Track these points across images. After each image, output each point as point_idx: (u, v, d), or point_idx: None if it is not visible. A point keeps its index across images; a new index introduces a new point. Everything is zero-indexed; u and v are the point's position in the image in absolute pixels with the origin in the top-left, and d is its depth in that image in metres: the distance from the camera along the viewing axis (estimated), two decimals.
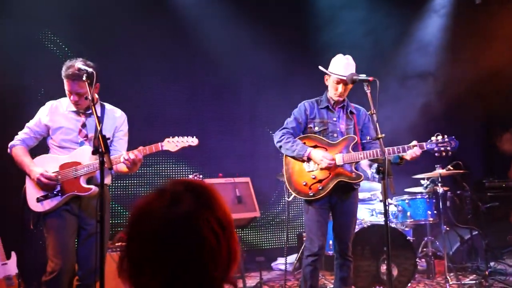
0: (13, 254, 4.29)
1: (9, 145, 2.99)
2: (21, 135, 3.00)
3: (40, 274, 2.85)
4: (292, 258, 5.49)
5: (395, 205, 4.86)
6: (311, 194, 3.23)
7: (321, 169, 3.24)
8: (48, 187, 2.83)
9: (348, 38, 5.99)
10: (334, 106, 3.41)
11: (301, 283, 3.27)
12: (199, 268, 0.93)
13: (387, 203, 2.68)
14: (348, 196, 3.31)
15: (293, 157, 3.31)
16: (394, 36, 6.66)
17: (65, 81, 2.86)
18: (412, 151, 3.07)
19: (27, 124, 3.02)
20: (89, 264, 2.84)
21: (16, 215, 4.20)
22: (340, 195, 3.28)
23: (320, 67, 3.42)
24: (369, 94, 2.85)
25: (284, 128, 3.41)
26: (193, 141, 2.94)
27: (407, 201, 4.84)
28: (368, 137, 3.34)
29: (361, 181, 3.28)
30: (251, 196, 5.03)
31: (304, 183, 3.26)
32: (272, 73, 6.39)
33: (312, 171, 3.27)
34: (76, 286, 2.93)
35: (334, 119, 3.37)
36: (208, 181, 4.91)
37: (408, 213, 4.81)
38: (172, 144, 2.88)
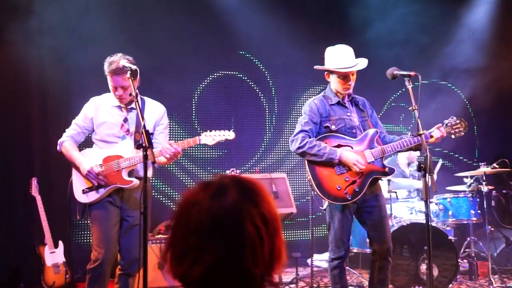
0: (61, 243, 4.53)
1: (58, 142, 3.12)
2: (69, 131, 3.13)
3: (85, 263, 3.00)
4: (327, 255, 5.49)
5: (436, 204, 4.76)
6: (349, 198, 3.06)
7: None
8: (95, 180, 2.98)
9: (391, 32, 5.88)
10: (344, 101, 3.25)
11: (331, 286, 3.15)
12: (238, 262, 0.92)
13: (428, 202, 2.64)
14: (376, 188, 3.19)
15: (313, 161, 3.11)
16: (441, 28, 6.48)
17: (108, 77, 2.96)
18: (439, 132, 3.12)
19: (74, 121, 3.15)
20: (131, 254, 2.97)
21: (63, 207, 4.45)
22: (369, 189, 3.14)
23: (317, 67, 3.26)
24: (410, 90, 2.80)
25: (301, 131, 3.16)
26: (229, 134, 2.99)
27: (449, 199, 4.73)
28: (409, 133, 3.20)
29: (393, 174, 3.21)
30: (288, 192, 5.06)
31: (338, 187, 3.07)
32: (311, 68, 6.35)
33: (343, 173, 3.09)
34: (118, 275, 3.06)
35: (348, 114, 3.22)
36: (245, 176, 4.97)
37: (450, 212, 4.70)
38: (209, 138, 2.94)
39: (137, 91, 3.01)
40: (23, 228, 4.87)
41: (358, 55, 3.25)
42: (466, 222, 4.77)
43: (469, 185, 4.76)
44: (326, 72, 3.25)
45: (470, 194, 4.69)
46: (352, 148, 3.13)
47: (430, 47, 6.47)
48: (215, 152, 5.90)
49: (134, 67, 2.76)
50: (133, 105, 3.04)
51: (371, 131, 3.19)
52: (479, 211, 4.69)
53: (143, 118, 2.61)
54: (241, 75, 6.17)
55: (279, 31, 5.97)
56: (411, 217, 4.63)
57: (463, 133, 3.20)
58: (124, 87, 2.96)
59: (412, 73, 2.85)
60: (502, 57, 6.25)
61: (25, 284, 4.69)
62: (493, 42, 6.39)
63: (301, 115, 3.26)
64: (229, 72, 6.10)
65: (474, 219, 4.67)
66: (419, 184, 4.80)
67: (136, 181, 2.99)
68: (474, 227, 5.00)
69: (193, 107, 5.87)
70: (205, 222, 0.94)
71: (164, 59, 5.57)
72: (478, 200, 4.71)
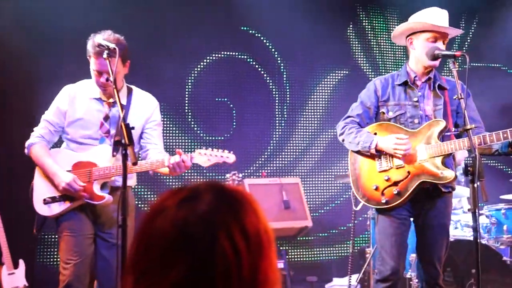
0: (22, 262, 4.54)
1: (26, 144, 3.04)
2: (38, 130, 3.05)
3: (52, 286, 3.00)
4: (352, 279, 5.45)
5: (487, 216, 4.71)
6: (384, 201, 3.04)
7: (398, 167, 3.05)
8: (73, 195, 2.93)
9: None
10: (415, 81, 3.17)
11: None
12: (206, 284, 0.90)
13: (477, 214, 2.61)
14: (436, 203, 3.09)
15: (358, 152, 3.16)
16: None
17: (93, 58, 2.91)
18: None
19: (43, 117, 3.07)
20: (111, 281, 2.91)
21: (27, 219, 4.44)
22: (424, 201, 3.07)
23: (402, 26, 3.16)
24: (455, 73, 2.81)
25: (348, 117, 3.24)
26: (228, 157, 2.98)
27: (503, 211, 4.68)
28: (453, 128, 3.10)
29: (452, 181, 3.02)
30: (301, 201, 5.05)
31: (375, 187, 3.07)
32: (332, 47, 6.33)
33: (386, 170, 3.07)
34: None
35: (415, 99, 3.12)
36: (249, 181, 4.97)
37: (505, 227, 4.65)
38: (204, 157, 2.94)
39: (124, 79, 3.00)
40: None
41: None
42: None
43: None
44: (410, 37, 3.16)
45: None
46: None
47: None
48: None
49: (112, 45, 2.74)
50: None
51: (433, 123, 3.06)
52: None
53: (122, 109, 2.59)
54: (245, 57, 6.14)
55: (296, 16, 5.89)
56: (455, 233, 4.60)
57: None
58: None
59: (458, 53, 2.84)
60: None
61: None
62: None
63: None
64: (230, 53, 6.07)
65: None
66: (466, 192, 4.76)
67: (108, 198, 2.95)
68: None
69: (186, 96, 5.85)
70: (169, 233, 0.93)
71: (148, 36, 5.53)
72: None
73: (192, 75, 5.89)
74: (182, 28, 5.74)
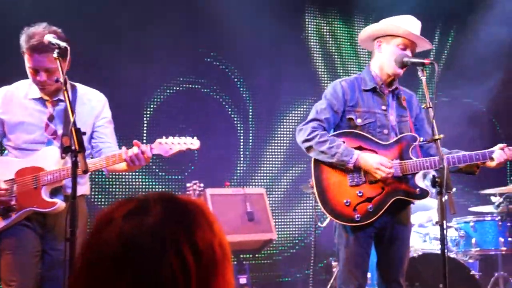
0: None
1: None
2: None
3: None
4: None
5: (456, 229, 4.80)
6: (358, 218, 2.98)
7: (371, 182, 3.02)
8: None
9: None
10: (382, 88, 3.15)
11: None
12: None
13: (445, 226, 2.65)
14: (402, 216, 3.12)
15: (327, 164, 3.06)
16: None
17: (26, 55, 2.80)
18: (502, 160, 2.93)
19: None
20: None
21: None
22: (391, 215, 3.06)
23: (373, 28, 3.16)
24: (424, 82, 2.84)
25: (313, 120, 3.08)
26: (192, 143, 2.86)
27: (472, 223, 4.78)
28: (421, 139, 3.12)
29: (426, 198, 3.07)
30: (266, 212, 5.04)
31: (347, 202, 3.01)
32: (300, 55, 6.38)
33: (358, 185, 3.03)
34: None
35: (384, 107, 3.11)
36: (211, 191, 4.93)
37: (473, 240, 4.75)
38: (165, 146, 2.81)
39: (66, 76, 2.90)
40: None
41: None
42: (493, 253, 4.83)
43: (498, 205, 4.82)
44: (379, 40, 3.15)
45: (499, 217, 4.75)
46: (376, 153, 3.05)
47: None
48: (174, 162, 5.80)
49: (63, 44, 2.67)
50: (60, 96, 2.89)
51: (408, 136, 3.08)
52: (510, 239, 4.74)
53: (73, 113, 2.51)
54: (209, 62, 6.11)
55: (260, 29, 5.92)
56: (423, 246, 4.66)
57: None
58: (49, 70, 2.79)
59: (426, 61, 2.88)
60: None
61: None
62: None
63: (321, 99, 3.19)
64: (195, 58, 6.04)
65: (504, 249, 4.72)
66: (435, 203, 4.83)
67: (60, 203, 2.83)
68: (504, 260, 5.05)
69: (144, 101, 5.77)
70: (114, 247, 0.91)
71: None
72: (508, 224, 4.77)
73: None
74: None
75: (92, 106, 3.01)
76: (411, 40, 3.09)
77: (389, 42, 3.11)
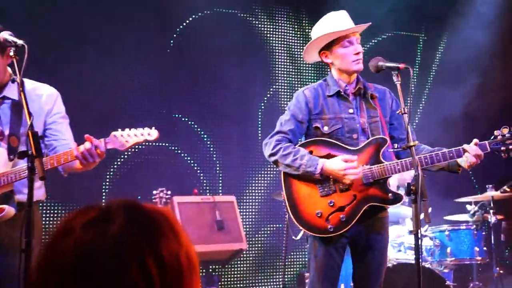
0: None
1: None
2: None
3: None
4: None
5: (431, 238, 4.86)
6: (331, 229, 2.98)
7: (342, 190, 3.02)
8: None
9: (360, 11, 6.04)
10: (346, 91, 3.15)
11: None
12: None
13: (419, 235, 2.68)
14: (378, 223, 3.11)
15: (296, 176, 3.06)
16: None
17: None
18: (472, 155, 2.87)
19: None
20: None
21: None
22: (364, 222, 3.05)
23: (315, 36, 3.14)
24: (399, 87, 2.84)
25: (278, 133, 3.11)
26: (150, 133, 2.75)
27: (447, 232, 4.85)
28: (396, 145, 3.14)
29: (400, 203, 3.08)
30: (237, 221, 5.03)
31: (319, 214, 3.01)
32: (275, 58, 6.41)
33: (329, 194, 3.03)
34: None
35: (351, 111, 3.11)
36: (178, 199, 4.89)
37: (448, 250, 4.82)
38: (121, 139, 2.69)
39: (9, 70, 2.80)
40: None
41: None
42: (468, 262, 4.91)
43: (473, 214, 4.91)
44: (323, 52, 3.16)
45: (474, 226, 4.83)
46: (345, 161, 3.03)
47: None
48: (138, 166, 5.75)
49: (20, 42, 2.58)
50: (5, 93, 2.79)
51: (377, 139, 3.08)
52: (485, 248, 4.83)
53: (30, 115, 2.45)
54: (179, 63, 6.08)
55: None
56: (398, 256, 4.70)
57: None
58: None
59: (401, 65, 2.88)
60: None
61: None
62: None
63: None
64: (162, 58, 6.00)
65: (479, 258, 4.80)
66: (410, 212, 4.89)
67: (8, 209, 2.69)
68: (479, 269, 5.15)
69: (107, 104, 5.71)
70: (72, 259, 0.89)
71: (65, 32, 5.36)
72: (484, 233, 4.86)
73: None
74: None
75: (42, 102, 2.87)
76: (349, 34, 3.11)
77: (331, 50, 3.14)
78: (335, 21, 3.15)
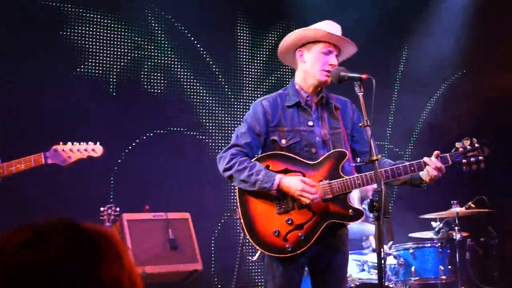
0: None
1: None
2: None
3: None
4: None
5: (395, 257, 4.91)
6: (289, 248, 2.97)
7: (300, 207, 3.01)
8: None
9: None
10: (308, 102, 3.17)
11: None
12: None
13: (382, 254, 2.70)
14: (338, 241, 3.13)
15: (252, 192, 3.05)
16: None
17: None
18: (432, 168, 2.92)
19: None
20: None
21: None
22: (324, 240, 3.05)
23: (298, 31, 3.16)
24: (361, 98, 2.87)
25: (233, 146, 3.11)
26: (94, 149, 2.79)
27: (411, 250, 4.90)
28: (358, 159, 3.18)
29: (361, 219, 3.08)
30: (191, 240, 4.99)
31: (276, 232, 3.00)
32: (233, 63, 6.42)
33: (287, 212, 3.03)
34: None
35: (310, 123, 3.13)
36: (128, 216, 4.82)
37: (413, 268, 4.87)
38: (63, 154, 2.71)
39: None
40: None
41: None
42: (433, 281, 4.97)
43: (438, 231, 4.98)
44: (300, 49, 3.18)
45: (439, 244, 4.90)
46: (304, 175, 3.05)
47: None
48: (85, 180, 5.62)
49: None
50: None
51: (336, 153, 3.08)
52: (450, 267, 4.91)
53: None
54: (113, 66, 6.01)
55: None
56: (361, 276, 4.73)
57: (483, 165, 3.02)
58: None
59: (363, 76, 2.91)
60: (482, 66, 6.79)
61: None
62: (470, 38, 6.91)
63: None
64: (99, 59, 5.93)
65: (444, 277, 4.87)
66: (373, 229, 4.93)
67: None
68: None
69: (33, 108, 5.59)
70: (4, 284, 0.87)
71: None
72: (449, 251, 4.94)
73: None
74: None
75: None
76: (333, 43, 3.14)
77: (310, 49, 3.16)
78: (329, 25, 3.18)
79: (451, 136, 6.94)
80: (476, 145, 3.02)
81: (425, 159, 2.97)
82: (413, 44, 7.06)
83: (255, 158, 3.11)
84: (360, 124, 2.89)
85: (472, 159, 3.01)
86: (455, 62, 6.92)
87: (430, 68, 6.81)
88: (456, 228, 4.84)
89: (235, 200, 6.18)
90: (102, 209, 4.64)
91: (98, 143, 2.76)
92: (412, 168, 2.97)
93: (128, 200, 5.62)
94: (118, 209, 4.60)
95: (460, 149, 3.02)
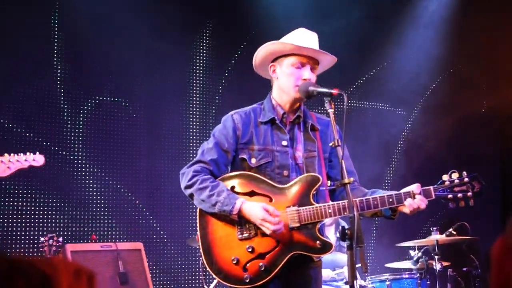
0: None
1: None
2: None
3: None
4: None
5: None
6: (247, 279, 2.96)
7: (263, 234, 2.97)
8: None
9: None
10: (284, 119, 3.17)
11: None
12: None
13: (356, 286, 2.70)
14: (306, 275, 3.11)
15: (213, 214, 3.04)
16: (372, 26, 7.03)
17: None
18: (414, 201, 2.90)
19: None
20: None
21: None
22: (292, 272, 3.03)
23: (268, 44, 3.13)
24: (331, 115, 2.87)
25: (197, 162, 3.10)
26: (35, 159, 2.85)
27: (388, 282, 4.95)
28: (329, 182, 3.17)
29: (329, 252, 3.04)
30: (144, 274, 4.94)
31: (235, 260, 2.98)
32: (190, 69, 6.43)
33: (248, 239, 3.00)
34: None
35: (284, 143, 3.12)
36: (72, 247, 4.75)
37: None
38: (1, 166, 2.77)
39: None
40: None
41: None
42: None
43: (416, 261, 5.03)
44: (272, 64, 3.16)
45: (418, 275, 4.95)
46: (271, 199, 3.02)
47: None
48: (26, 203, 5.53)
49: None
50: None
51: (308, 178, 3.05)
52: None
53: None
54: (66, 74, 5.96)
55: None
56: None
57: (472, 202, 2.97)
58: None
59: (335, 91, 2.90)
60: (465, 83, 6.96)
61: None
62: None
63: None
64: (46, 69, 5.87)
65: None
66: (346, 258, 4.95)
67: None
68: None
69: None
70: None
71: None
72: (428, 283, 4.99)
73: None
74: None
75: None
76: (306, 55, 3.12)
77: (281, 64, 3.15)
78: (302, 35, 3.15)
79: (430, 152, 7.10)
80: (466, 179, 2.98)
81: (405, 191, 2.95)
82: (391, 57, 7.22)
83: (220, 178, 3.09)
84: (330, 144, 2.87)
85: (459, 194, 2.97)
86: (432, 70, 7.11)
87: (409, 80, 6.97)
88: (436, 257, 4.89)
89: (193, 228, 6.18)
90: (42, 239, 4.57)
91: (37, 152, 2.83)
92: (391, 200, 2.94)
93: (72, 229, 5.55)
94: (60, 239, 4.53)
95: (447, 183, 2.98)
